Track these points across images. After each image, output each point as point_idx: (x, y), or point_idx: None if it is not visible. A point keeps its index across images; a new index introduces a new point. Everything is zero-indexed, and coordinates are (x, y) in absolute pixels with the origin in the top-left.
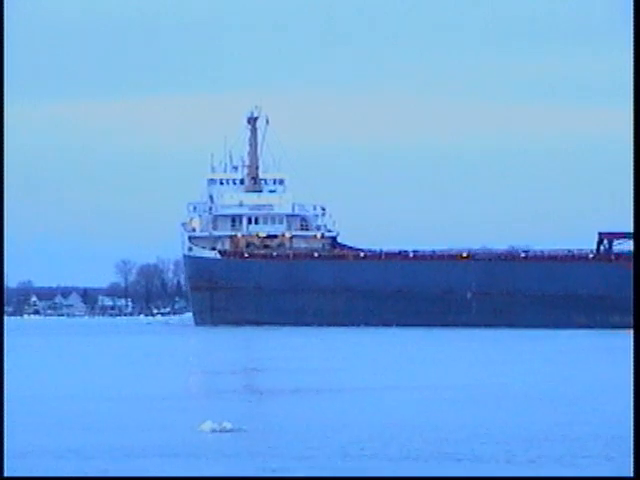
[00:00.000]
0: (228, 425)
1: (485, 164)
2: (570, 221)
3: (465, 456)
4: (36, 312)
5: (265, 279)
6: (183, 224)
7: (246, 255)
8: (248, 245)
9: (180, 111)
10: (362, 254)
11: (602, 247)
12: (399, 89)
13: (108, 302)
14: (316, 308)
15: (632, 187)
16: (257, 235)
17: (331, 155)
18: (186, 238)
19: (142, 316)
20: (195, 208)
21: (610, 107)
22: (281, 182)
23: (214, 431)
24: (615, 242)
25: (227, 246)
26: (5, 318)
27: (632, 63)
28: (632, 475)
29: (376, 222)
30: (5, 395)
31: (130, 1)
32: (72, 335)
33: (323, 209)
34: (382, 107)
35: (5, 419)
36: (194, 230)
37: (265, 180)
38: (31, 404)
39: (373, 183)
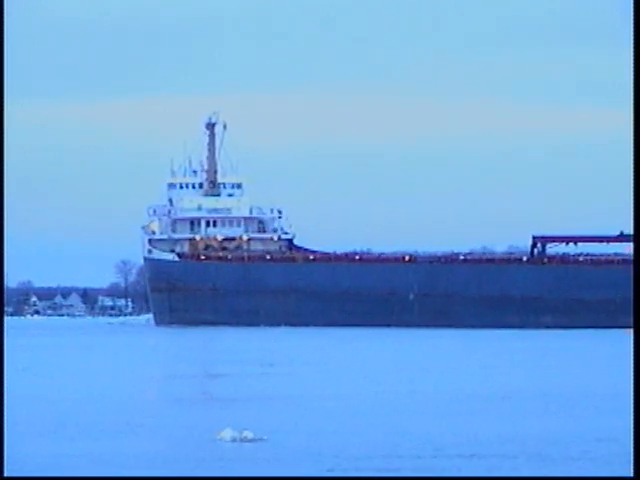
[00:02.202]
0: (250, 435)
1: (441, 166)
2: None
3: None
4: (36, 312)
5: (221, 281)
6: (143, 227)
7: (203, 257)
8: (207, 247)
9: (143, 115)
10: (312, 256)
11: (536, 250)
12: (356, 92)
13: (108, 302)
14: (268, 309)
15: (632, 187)
16: (215, 238)
17: (288, 159)
18: (146, 241)
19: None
20: (155, 211)
21: (610, 107)
22: (239, 186)
23: (234, 440)
24: (548, 245)
25: (186, 249)
26: (5, 318)
27: (632, 63)
28: (632, 475)
29: (332, 224)
30: (5, 396)
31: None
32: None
33: (280, 212)
34: (337, 110)
35: (5, 419)
36: (154, 233)
37: (223, 184)
38: (33, 406)
39: (329, 185)
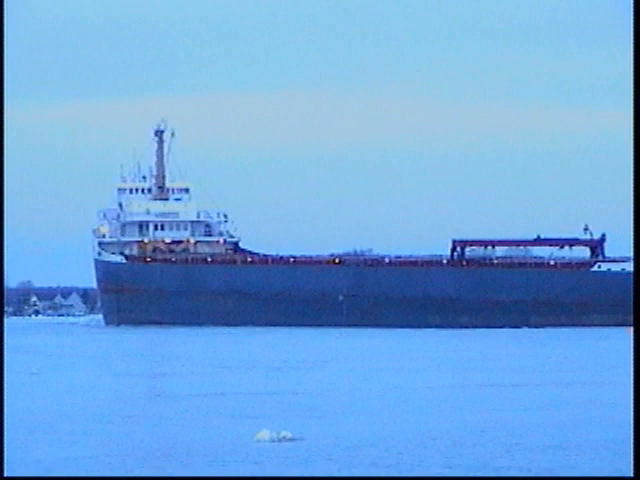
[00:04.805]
0: (288, 434)
1: (382, 168)
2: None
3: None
4: (36, 312)
5: (165, 282)
6: (93, 230)
7: (149, 260)
8: (154, 250)
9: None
10: (250, 259)
11: (455, 253)
12: (308, 94)
13: None
14: (209, 309)
15: (632, 188)
16: (163, 241)
17: (234, 164)
18: (96, 244)
19: None
20: (105, 215)
21: (610, 108)
22: (186, 191)
23: (273, 441)
24: (467, 249)
25: (135, 251)
26: (5, 318)
27: (632, 63)
28: (632, 475)
29: (278, 227)
30: (6, 396)
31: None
32: None
33: (225, 216)
34: (282, 114)
35: (5, 420)
36: (104, 236)
37: (172, 189)
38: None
39: (275, 189)
